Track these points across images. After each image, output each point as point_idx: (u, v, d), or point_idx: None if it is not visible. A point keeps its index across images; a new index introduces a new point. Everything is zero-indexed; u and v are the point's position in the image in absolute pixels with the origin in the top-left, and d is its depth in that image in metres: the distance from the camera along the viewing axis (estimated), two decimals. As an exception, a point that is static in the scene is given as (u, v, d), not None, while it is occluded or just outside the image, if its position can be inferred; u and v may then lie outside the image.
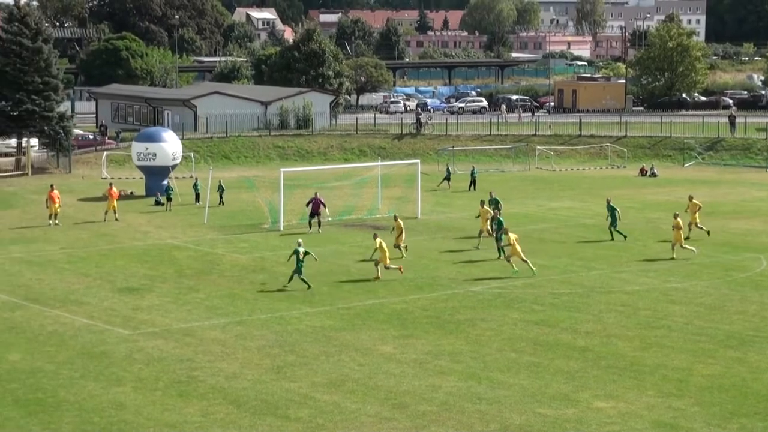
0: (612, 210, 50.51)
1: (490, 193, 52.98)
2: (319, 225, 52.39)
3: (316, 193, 53.32)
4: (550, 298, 38.99)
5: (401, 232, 45.88)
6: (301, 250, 39.82)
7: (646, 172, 79.09)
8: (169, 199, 60.20)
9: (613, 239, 50.28)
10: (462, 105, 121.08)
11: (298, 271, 39.75)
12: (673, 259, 45.74)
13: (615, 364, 30.75)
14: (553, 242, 50.20)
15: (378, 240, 42.15)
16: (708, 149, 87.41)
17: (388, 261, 41.92)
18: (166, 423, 25.81)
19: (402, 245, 45.80)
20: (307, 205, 52.96)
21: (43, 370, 29.89)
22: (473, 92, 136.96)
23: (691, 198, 52.02)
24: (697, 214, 51.11)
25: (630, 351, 32.07)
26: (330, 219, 54.80)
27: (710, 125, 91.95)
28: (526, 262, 42.49)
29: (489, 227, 48.35)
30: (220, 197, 60.94)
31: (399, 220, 46.47)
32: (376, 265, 42.01)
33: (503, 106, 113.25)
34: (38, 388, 28.38)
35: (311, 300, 38.45)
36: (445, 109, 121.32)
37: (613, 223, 50.43)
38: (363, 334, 33.94)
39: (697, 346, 32.59)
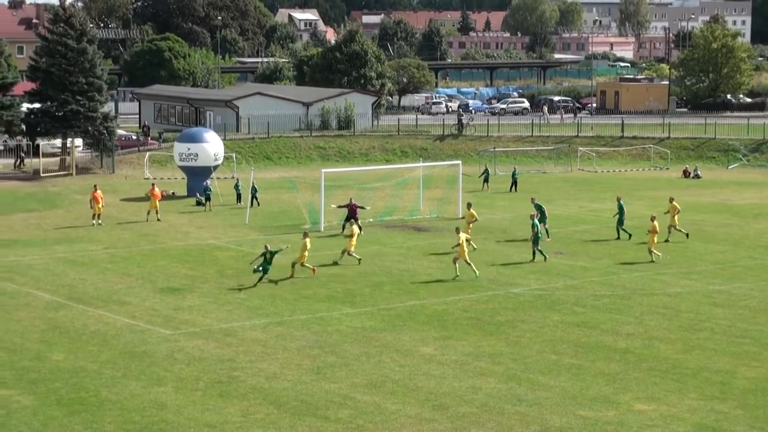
0: (621, 208, 50.46)
1: (532, 199, 52.62)
2: (360, 228, 52.04)
3: (351, 199, 53.03)
4: (591, 299, 38.81)
5: (353, 237, 45.30)
6: (271, 250, 40.40)
7: (690, 173, 78.56)
8: (207, 200, 60.40)
9: (619, 238, 50.20)
10: (503, 106, 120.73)
11: (264, 270, 40.22)
12: (652, 261, 45.46)
13: (657, 366, 30.56)
14: (595, 244, 49.95)
15: (306, 240, 42.13)
16: (753, 151, 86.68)
17: (305, 259, 42.04)
18: (207, 423, 25.92)
19: (350, 251, 44.98)
20: (341, 207, 52.42)
21: (85, 370, 30.11)
22: (515, 93, 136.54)
23: (671, 200, 51.68)
24: (676, 217, 50.88)
25: (672, 353, 31.86)
26: (371, 220, 54.82)
27: (755, 127, 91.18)
28: (470, 265, 41.99)
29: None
30: (254, 198, 60.54)
31: (354, 225, 45.97)
32: (293, 265, 41.92)
33: (545, 107, 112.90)
34: (81, 387, 28.59)
35: (352, 301, 38.49)
36: (487, 110, 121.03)
37: (620, 222, 50.43)
38: (404, 335, 33.93)
39: (741, 349, 32.33)
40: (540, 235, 46.01)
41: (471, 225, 48.80)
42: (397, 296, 39.28)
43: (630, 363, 30.88)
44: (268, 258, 40.33)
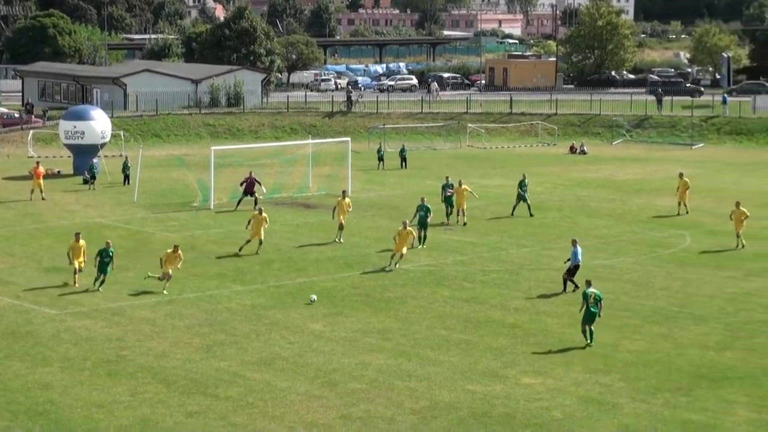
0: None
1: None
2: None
3: (251, 172, 52.93)
4: (480, 275, 39.24)
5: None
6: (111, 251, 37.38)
7: (576, 149, 79.72)
8: (93, 178, 59.44)
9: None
10: (392, 83, 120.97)
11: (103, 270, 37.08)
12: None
13: (543, 340, 31.07)
14: (484, 220, 50.45)
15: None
16: (636, 127, 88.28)
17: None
18: (95, 403, 25.64)
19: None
20: (241, 184, 52.51)
21: (-32, 351, 29.53)
22: (404, 70, 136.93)
23: (460, 183, 49.82)
24: (464, 202, 48.95)
25: (558, 328, 32.41)
26: (267, 194, 54.57)
27: (638, 103, 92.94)
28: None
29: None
30: (125, 176, 60.08)
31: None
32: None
33: (433, 84, 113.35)
34: (-37, 369, 28.05)
35: (242, 278, 38.35)
36: (375, 87, 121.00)
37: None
38: (293, 312, 33.94)
39: (623, 322, 33.03)
40: (428, 220, 44.35)
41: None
42: (287, 273, 39.25)
43: (518, 338, 31.34)
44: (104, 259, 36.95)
